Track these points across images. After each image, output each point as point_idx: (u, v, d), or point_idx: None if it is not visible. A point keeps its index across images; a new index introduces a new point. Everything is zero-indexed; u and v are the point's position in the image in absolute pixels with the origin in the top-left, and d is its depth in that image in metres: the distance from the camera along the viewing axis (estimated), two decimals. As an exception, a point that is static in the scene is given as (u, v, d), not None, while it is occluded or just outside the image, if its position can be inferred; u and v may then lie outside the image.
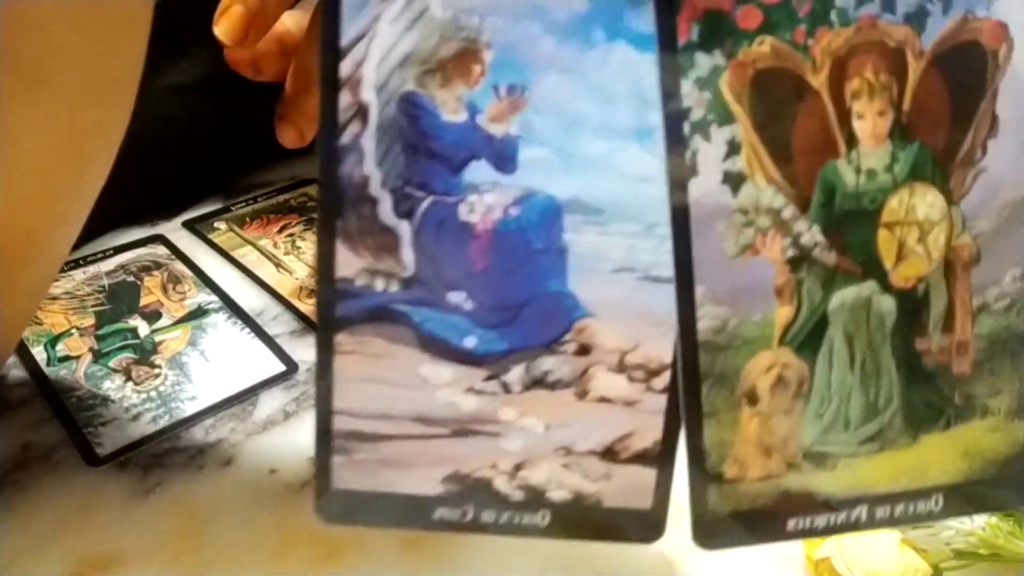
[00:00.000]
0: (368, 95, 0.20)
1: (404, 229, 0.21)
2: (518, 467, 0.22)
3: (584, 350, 0.21)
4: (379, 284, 0.21)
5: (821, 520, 0.23)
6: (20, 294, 0.28)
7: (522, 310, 0.21)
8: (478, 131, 0.20)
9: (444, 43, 0.20)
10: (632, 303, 0.21)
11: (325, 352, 0.21)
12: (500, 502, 0.22)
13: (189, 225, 0.47)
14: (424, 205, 0.21)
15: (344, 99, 0.20)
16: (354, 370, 0.21)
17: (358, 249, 0.21)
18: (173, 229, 0.47)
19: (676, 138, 0.20)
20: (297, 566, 0.29)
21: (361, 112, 0.20)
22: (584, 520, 0.22)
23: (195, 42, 0.39)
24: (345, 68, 0.20)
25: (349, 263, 0.21)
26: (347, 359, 0.21)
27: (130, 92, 0.26)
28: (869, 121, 0.20)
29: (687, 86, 0.20)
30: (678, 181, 0.20)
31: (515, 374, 0.22)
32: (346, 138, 0.20)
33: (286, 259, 0.44)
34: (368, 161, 0.20)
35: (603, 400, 0.22)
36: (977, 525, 0.28)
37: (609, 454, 0.22)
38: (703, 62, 0.20)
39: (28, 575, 0.29)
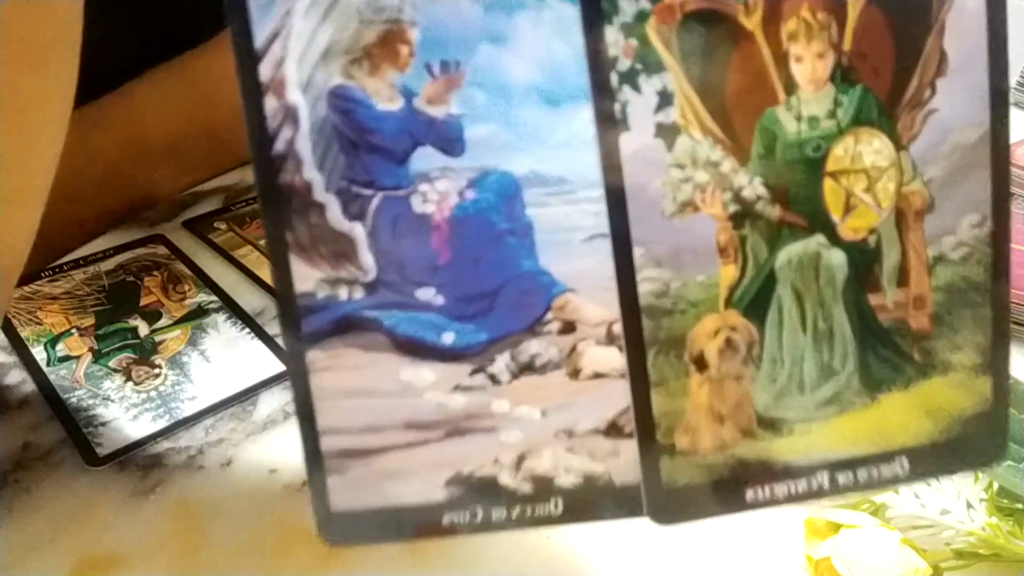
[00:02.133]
0: (294, 96, 0.19)
1: (358, 231, 0.20)
2: (521, 458, 0.21)
3: (568, 327, 0.21)
4: (342, 293, 0.20)
5: (781, 489, 0.22)
6: None
7: (497, 296, 0.20)
8: (417, 116, 0.19)
9: (365, 28, 0.19)
10: (610, 270, 0.20)
11: (299, 373, 0.20)
12: (508, 497, 0.21)
13: (189, 225, 0.47)
14: (375, 203, 0.20)
15: (270, 104, 0.19)
16: (333, 386, 0.20)
17: (313, 260, 0.20)
18: (173, 229, 0.47)
19: (603, 90, 0.19)
20: (297, 566, 0.29)
21: (290, 115, 0.19)
22: (598, 501, 0.21)
23: None
24: (265, 71, 0.18)
25: (307, 276, 0.20)
26: (324, 376, 0.20)
27: (71, 59, 0.26)
28: (808, 64, 0.19)
29: (612, 33, 0.19)
30: (608, 136, 0.19)
31: (501, 364, 0.21)
32: (280, 145, 0.19)
33: None
34: (307, 166, 0.19)
35: (597, 376, 0.21)
36: (977, 525, 0.27)
37: (613, 429, 0.21)
38: (627, 7, 0.19)
39: (28, 575, 0.29)
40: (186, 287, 0.42)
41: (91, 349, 0.38)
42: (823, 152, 0.20)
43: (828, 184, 0.20)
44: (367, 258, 0.20)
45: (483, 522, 0.21)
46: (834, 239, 0.20)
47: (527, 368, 0.21)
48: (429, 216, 0.20)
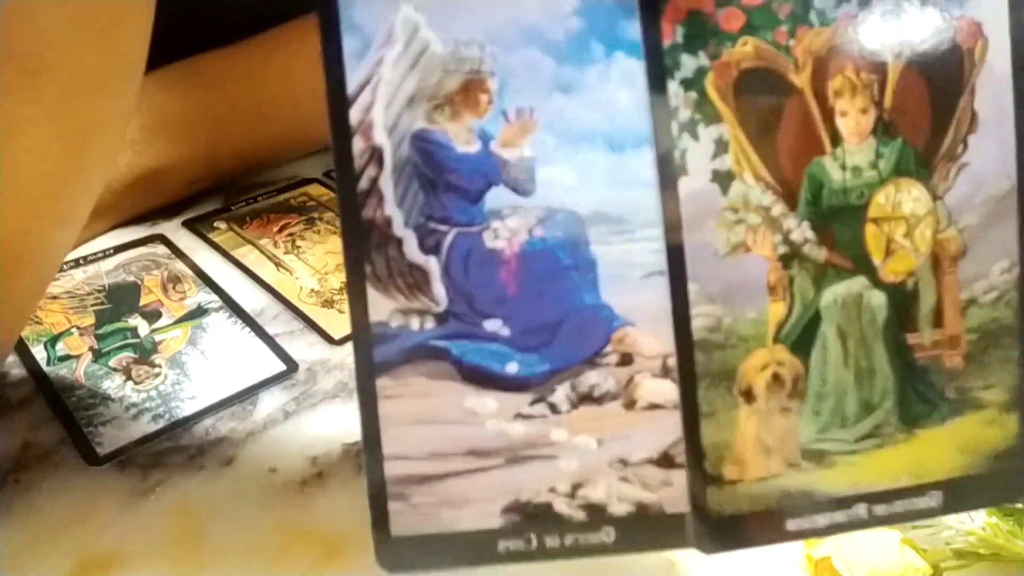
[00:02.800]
0: (380, 138, 0.20)
1: (432, 265, 0.21)
2: (576, 487, 0.22)
3: (626, 359, 0.21)
4: (414, 323, 0.21)
5: (822, 520, 0.22)
6: (17, 296, 0.28)
7: (559, 328, 0.21)
8: (493, 158, 0.21)
9: (448, 77, 0.20)
10: (666, 306, 0.21)
11: (369, 399, 0.21)
12: (563, 525, 0.22)
13: (189, 225, 0.47)
14: (449, 238, 0.21)
15: (357, 145, 0.20)
16: (400, 413, 0.21)
17: (389, 291, 0.21)
18: (173, 229, 0.47)
19: (664, 138, 0.20)
20: (297, 566, 0.29)
21: (376, 155, 0.20)
22: (649, 531, 0.22)
23: None
24: (355, 115, 0.20)
25: (382, 306, 0.21)
26: (392, 403, 0.21)
27: (131, 87, 0.26)
28: (852, 118, 0.21)
29: (673, 87, 0.20)
30: (668, 180, 0.20)
31: (561, 393, 0.21)
32: (364, 183, 0.20)
33: (286, 259, 0.44)
34: (388, 202, 0.20)
35: (652, 407, 0.22)
36: (977, 525, 0.28)
37: (666, 460, 0.22)
38: (688, 63, 0.20)
39: (28, 575, 0.29)
40: (186, 287, 0.42)
41: (91, 348, 0.38)
42: (866, 199, 0.21)
43: (870, 229, 0.21)
44: (440, 290, 0.21)
45: (537, 549, 0.22)
46: (875, 281, 0.22)
47: (586, 398, 0.21)
48: (499, 251, 0.21)
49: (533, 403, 0.21)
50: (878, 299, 0.22)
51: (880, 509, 0.23)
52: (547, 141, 0.20)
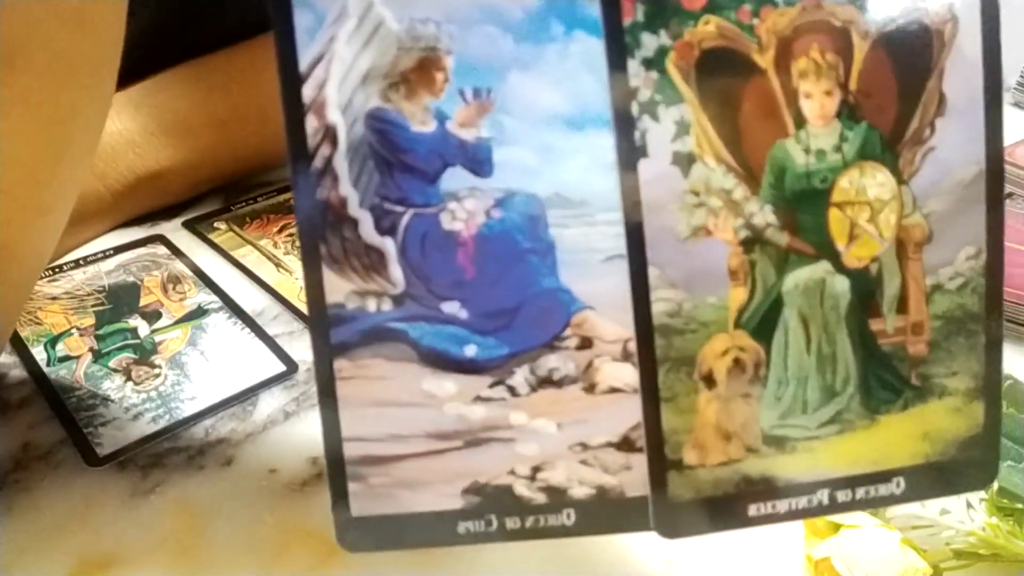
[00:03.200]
0: (334, 116, 0.20)
1: (389, 246, 0.21)
2: (536, 469, 0.22)
3: (586, 343, 0.21)
4: (371, 305, 0.21)
5: (783, 505, 0.22)
6: (4, 288, 0.28)
7: (518, 311, 0.21)
8: (449, 138, 0.20)
9: (403, 55, 0.20)
10: (627, 290, 0.21)
11: (326, 381, 0.21)
12: (523, 507, 0.22)
13: (189, 225, 0.47)
14: (405, 219, 0.21)
15: (311, 123, 0.20)
16: (358, 395, 0.21)
17: (345, 272, 0.20)
18: (173, 229, 0.47)
19: (624, 119, 0.20)
20: (297, 566, 0.29)
21: (330, 134, 0.20)
22: (609, 514, 0.22)
23: None
24: (308, 93, 0.19)
25: (338, 287, 0.20)
26: (350, 385, 0.21)
27: (108, 72, 0.26)
28: (816, 101, 0.21)
29: (634, 66, 0.20)
30: (627, 162, 0.20)
31: (520, 376, 0.21)
32: (318, 162, 0.20)
33: (286, 259, 0.44)
34: (343, 182, 0.20)
35: (612, 391, 0.22)
36: (977, 525, 0.28)
37: (626, 444, 0.22)
38: (649, 42, 0.20)
39: (28, 575, 0.29)
40: (186, 287, 0.42)
41: (91, 349, 0.38)
42: (829, 184, 0.21)
43: (834, 214, 0.21)
44: (396, 272, 0.21)
45: (497, 531, 0.22)
46: (839, 266, 0.21)
47: (545, 381, 0.21)
48: (457, 233, 0.21)
49: (492, 386, 0.21)
50: (841, 285, 0.21)
51: (842, 495, 0.23)
52: (505, 121, 0.20)
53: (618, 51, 0.20)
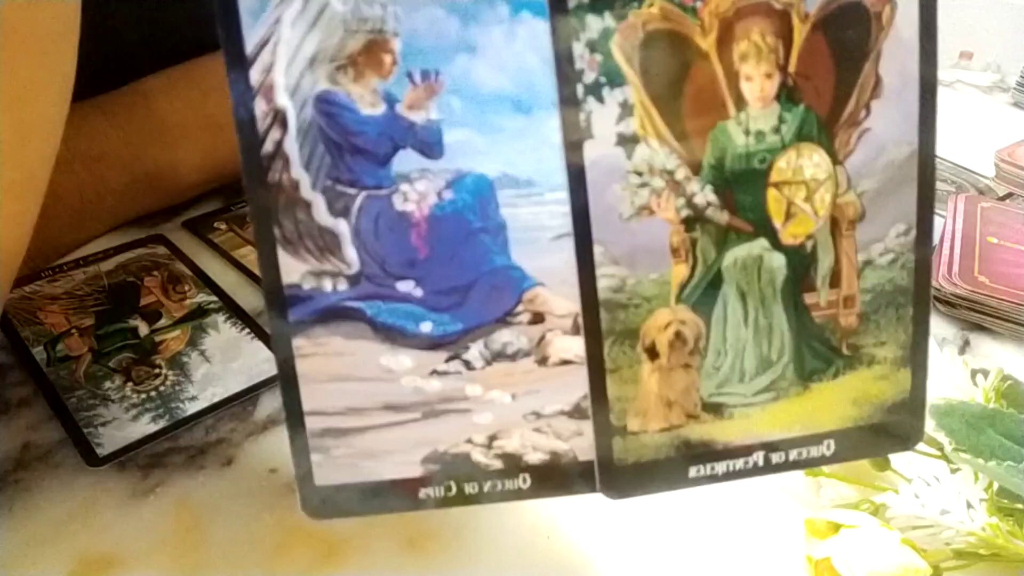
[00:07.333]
0: (283, 100, 0.20)
1: (342, 227, 0.21)
2: (492, 438, 0.23)
3: (538, 318, 0.22)
4: (327, 285, 0.21)
5: (721, 467, 0.24)
6: None
7: (471, 289, 0.22)
8: (399, 120, 0.20)
9: (350, 37, 0.20)
10: (575, 267, 0.22)
11: (285, 358, 0.21)
12: (480, 473, 0.23)
13: (189, 225, 0.47)
14: (358, 201, 0.21)
15: (259, 107, 0.20)
16: (317, 371, 0.22)
17: (300, 253, 0.21)
18: (173, 229, 0.47)
19: (569, 101, 0.20)
20: (297, 566, 0.29)
21: (279, 118, 0.20)
22: (562, 477, 0.23)
23: None
24: (255, 76, 0.19)
25: (293, 268, 0.21)
26: (308, 362, 0.21)
27: (68, 48, 0.26)
28: (757, 83, 0.21)
29: (579, 48, 0.20)
30: (573, 143, 0.21)
31: (475, 351, 0.22)
32: (268, 146, 0.20)
33: None
34: (294, 166, 0.20)
35: (564, 362, 0.22)
36: (977, 525, 0.28)
37: (577, 412, 0.23)
38: (594, 24, 0.20)
39: (28, 575, 0.29)
40: (186, 287, 0.42)
41: (91, 349, 0.38)
42: (768, 164, 0.22)
43: (771, 193, 0.22)
44: (351, 252, 0.21)
45: (456, 496, 0.23)
46: (776, 243, 0.22)
47: (499, 355, 0.22)
48: (409, 214, 0.21)
49: (448, 360, 0.22)
50: (778, 261, 0.22)
51: (776, 457, 0.24)
52: (453, 103, 0.20)
53: (563, 34, 0.20)
